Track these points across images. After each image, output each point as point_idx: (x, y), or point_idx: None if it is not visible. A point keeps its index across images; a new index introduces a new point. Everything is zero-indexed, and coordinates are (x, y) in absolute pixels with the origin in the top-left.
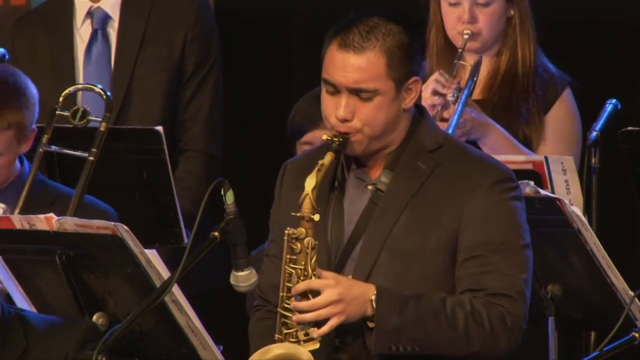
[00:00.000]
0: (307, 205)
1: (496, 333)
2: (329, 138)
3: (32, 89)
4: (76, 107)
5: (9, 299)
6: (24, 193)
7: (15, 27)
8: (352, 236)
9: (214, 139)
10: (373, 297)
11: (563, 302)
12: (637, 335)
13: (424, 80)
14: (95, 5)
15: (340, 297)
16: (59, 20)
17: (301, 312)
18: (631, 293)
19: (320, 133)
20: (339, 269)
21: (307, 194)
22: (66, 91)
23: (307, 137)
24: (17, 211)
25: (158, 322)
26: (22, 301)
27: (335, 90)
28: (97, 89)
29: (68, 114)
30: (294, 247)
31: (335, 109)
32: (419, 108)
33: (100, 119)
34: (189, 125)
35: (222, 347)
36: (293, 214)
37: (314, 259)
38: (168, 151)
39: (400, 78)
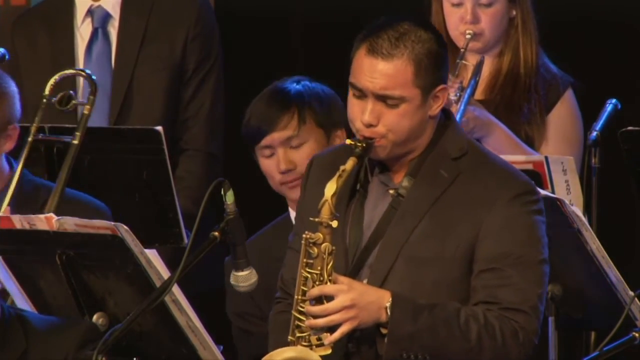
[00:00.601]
0: (325, 212)
1: (508, 347)
2: (353, 143)
3: (10, 85)
4: (62, 93)
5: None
6: (11, 187)
7: (15, 25)
8: (370, 240)
9: (214, 138)
10: (388, 304)
11: (563, 302)
12: (637, 335)
13: None
14: (96, 3)
15: (353, 302)
16: (59, 18)
17: (314, 316)
18: (631, 293)
19: (278, 135)
20: (355, 272)
21: (327, 200)
22: (53, 79)
23: (266, 140)
24: (2, 208)
25: (158, 322)
26: (22, 301)
27: (362, 94)
28: (83, 74)
29: (55, 100)
30: (311, 251)
31: (361, 113)
32: (446, 112)
33: (85, 103)
34: (190, 124)
35: (222, 347)
36: (311, 219)
37: (330, 264)
38: (168, 151)
39: (427, 86)
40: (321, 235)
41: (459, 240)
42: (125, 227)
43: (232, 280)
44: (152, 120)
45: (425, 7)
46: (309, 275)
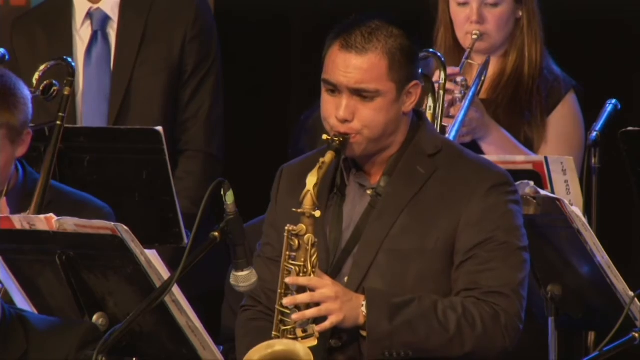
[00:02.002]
0: (308, 202)
1: (490, 332)
2: (329, 138)
3: (23, 90)
4: (43, 84)
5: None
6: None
7: (14, 26)
8: (349, 241)
9: (214, 138)
10: (364, 305)
11: (563, 302)
12: (637, 335)
13: (430, 77)
14: (95, 6)
15: (337, 295)
16: (58, 20)
17: (299, 307)
18: (631, 293)
19: None
20: (336, 270)
21: (309, 191)
22: (36, 74)
23: None
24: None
25: (158, 322)
26: (22, 301)
27: (336, 90)
28: (61, 61)
29: (39, 94)
30: (293, 244)
31: (335, 109)
32: (417, 113)
33: (64, 84)
34: (189, 125)
35: (222, 347)
36: (294, 209)
37: (314, 256)
38: (168, 151)
39: (401, 81)
40: (304, 227)
41: (438, 233)
42: (125, 227)
43: (232, 281)
44: (151, 121)
45: (431, 6)
46: (292, 268)
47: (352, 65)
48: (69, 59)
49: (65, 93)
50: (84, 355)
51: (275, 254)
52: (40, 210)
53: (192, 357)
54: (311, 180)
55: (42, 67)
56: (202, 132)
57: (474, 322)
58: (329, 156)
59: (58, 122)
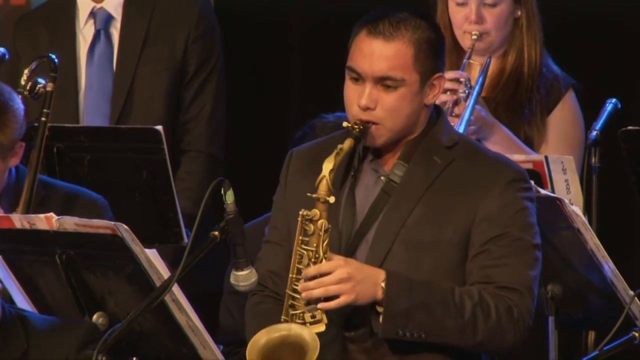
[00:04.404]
0: (323, 187)
1: (503, 324)
2: (350, 125)
3: (16, 105)
4: (30, 83)
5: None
6: (23, 196)
7: (16, 27)
8: (362, 225)
9: (216, 139)
10: (383, 280)
11: (563, 302)
12: (637, 334)
13: None
14: (98, 5)
15: (350, 275)
16: (61, 20)
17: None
18: (631, 293)
19: None
20: (350, 253)
21: (325, 176)
22: (24, 74)
23: None
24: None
25: (158, 322)
26: (22, 301)
27: (360, 78)
28: (45, 59)
29: (26, 93)
30: (307, 228)
31: (358, 97)
32: (437, 108)
33: (47, 81)
34: (191, 126)
35: (222, 347)
36: (309, 194)
37: (326, 241)
38: (169, 151)
39: (426, 72)
40: (318, 212)
41: (455, 224)
42: (125, 226)
43: (232, 280)
44: (153, 121)
45: (430, 6)
46: (305, 252)
47: (378, 52)
48: (52, 55)
49: (49, 89)
50: (84, 355)
51: (280, 237)
52: (29, 209)
53: (192, 357)
54: (327, 166)
55: (26, 70)
56: (204, 133)
57: (489, 312)
58: (347, 143)
59: (42, 119)
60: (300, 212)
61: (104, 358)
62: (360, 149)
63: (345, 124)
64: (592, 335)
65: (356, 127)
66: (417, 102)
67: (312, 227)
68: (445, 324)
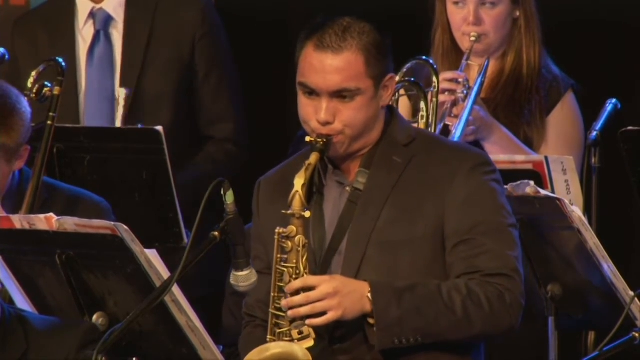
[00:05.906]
0: (297, 203)
1: (496, 312)
2: (312, 140)
3: (22, 108)
4: (36, 86)
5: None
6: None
7: (15, 27)
8: (334, 236)
9: (246, 131)
10: (369, 293)
11: (563, 302)
12: (637, 335)
13: (428, 78)
14: (98, 6)
15: (336, 290)
16: (60, 20)
17: (296, 307)
18: (631, 293)
19: None
20: (325, 268)
21: (297, 191)
22: (30, 77)
23: None
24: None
25: (158, 322)
26: (22, 301)
27: (314, 93)
28: (52, 63)
29: (33, 96)
30: (285, 246)
31: (315, 112)
32: (389, 108)
33: (54, 85)
34: (217, 122)
35: (222, 347)
36: (284, 212)
37: (305, 257)
38: (169, 151)
39: (378, 76)
40: (294, 228)
41: (426, 219)
42: (125, 227)
43: (232, 280)
44: (160, 122)
45: (429, 6)
46: (285, 270)
47: (329, 66)
48: (59, 59)
49: (55, 93)
50: (84, 355)
51: (263, 266)
52: (32, 211)
53: (192, 357)
54: (299, 181)
55: (33, 73)
56: (240, 125)
57: (479, 302)
58: (314, 157)
59: (49, 122)
60: (276, 230)
61: (103, 358)
62: (320, 165)
63: (308, 138)
64: (592, 336)
65: (320, 140)
66: (374, 106)
67: (289, 243)
68: (439, 323)
